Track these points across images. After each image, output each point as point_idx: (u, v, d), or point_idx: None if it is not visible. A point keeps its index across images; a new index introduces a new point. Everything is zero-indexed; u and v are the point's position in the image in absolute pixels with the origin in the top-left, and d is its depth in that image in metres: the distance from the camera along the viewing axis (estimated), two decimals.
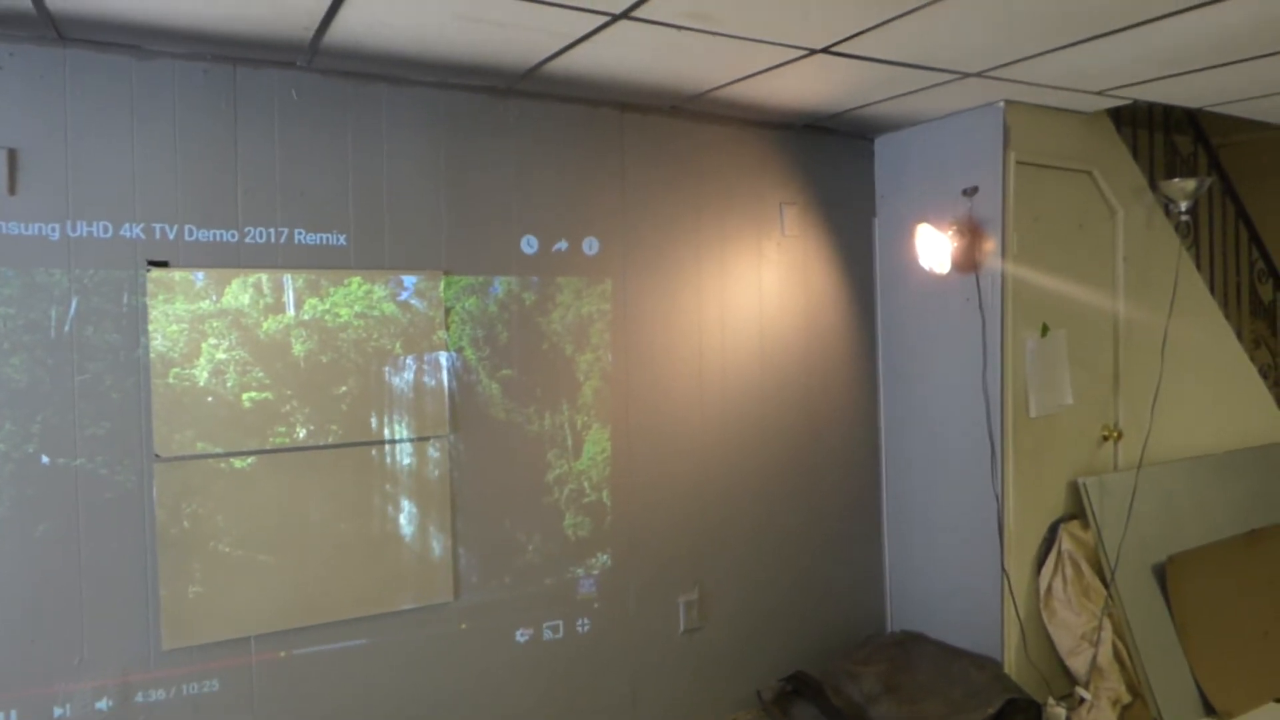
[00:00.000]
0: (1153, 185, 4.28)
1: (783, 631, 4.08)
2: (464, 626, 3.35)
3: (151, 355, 2.83)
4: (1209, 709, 3.86)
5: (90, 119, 2.75)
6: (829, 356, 4.21)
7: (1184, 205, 4.11)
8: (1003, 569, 3.77)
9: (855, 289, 4.29)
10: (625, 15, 2.60)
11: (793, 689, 3.83)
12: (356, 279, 3.13)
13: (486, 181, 3.37)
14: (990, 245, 3.75)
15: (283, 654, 3.03)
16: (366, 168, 3.15)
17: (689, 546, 3.84)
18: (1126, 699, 3.77)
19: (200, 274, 2.90)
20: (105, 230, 2.78)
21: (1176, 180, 4.12)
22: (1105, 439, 4.15)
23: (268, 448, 3.00)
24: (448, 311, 3.30)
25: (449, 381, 3.30)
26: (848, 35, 2.80)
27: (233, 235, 2.95)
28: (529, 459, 3.47)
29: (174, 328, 2.86)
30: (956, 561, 4.01)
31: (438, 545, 3.28)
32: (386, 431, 3.19)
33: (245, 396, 2.96)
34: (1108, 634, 3.80)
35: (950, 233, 3.80)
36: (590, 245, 3.59)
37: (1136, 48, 2.96)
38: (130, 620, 2.82)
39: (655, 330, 3.74)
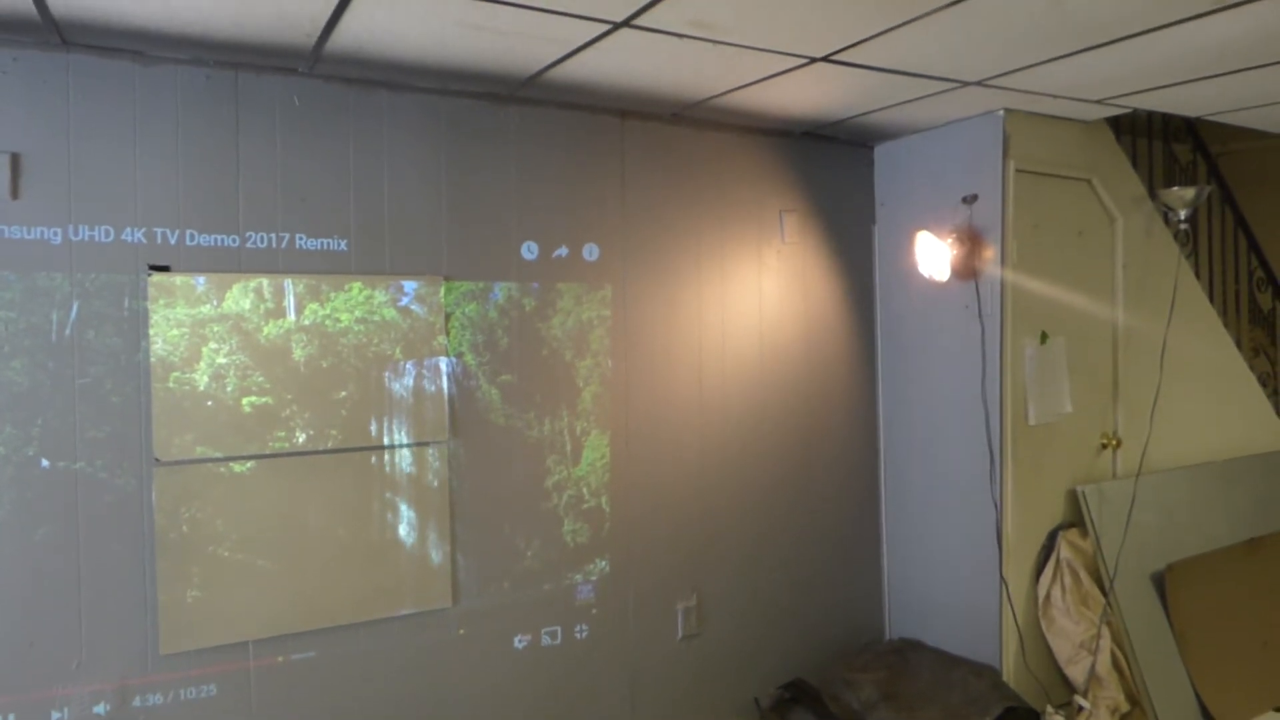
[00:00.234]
0: (1152, 193, 4.30)
1: (781, 638, 4.08)
2: (462, 632, 3.35)
3: (152, 359, 2.84)
4: (1208, 718, 3.85)
5: (93, 124, 2.77)
6: (828, 363, 4.22)
7: (1183, 213, 4.12)
8: (1001, 577, 3.77)
9: (855, 296, 4.30)
10: (627, 24, 2.61)
11: (791, 696, 3.83)
12: (357, 284, 3.14)
13: (487, 187, 3.38)
14: (989, 253, 3.76)
15: (281, 659, 3.03)
16: (367, 173, 3.17)
17: (687, 553, 3.84)
18: (1125, 708, 3.77)
19: (201, 278, 2.91)
20: (107, 234, 2.79)
21: (1175, 188, 4.14)
22: (1104, 447, 4.16)
23: (267, 452, 3.00)
24: (448, 317, 3.30)
25: (449, 387, 3.31)
26: (847, 44, 2.82)
27: (234, 240, 2.96)
28: (528, 465, 3.48)
29: (175, 332, 2.87)
30: (955, 569, 4.01)
31: (436, 551, 3.29)
32: (386, 437, 3.20)
33: (245, 401, 2.97)
34: (1106, 642, 3.80)
35: (950, 240, 3.81)
36: (590, 251, 3.60)
37: (1135, 58, 2.98)
38: (128, 624, 2.82)
39: (655, 336, 3.75)
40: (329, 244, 3.11)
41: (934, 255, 3.85)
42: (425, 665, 3.27)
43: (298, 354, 3.05)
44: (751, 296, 3.99)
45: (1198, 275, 4.62)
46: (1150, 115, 4.27)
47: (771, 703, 3.84)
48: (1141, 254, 4.24)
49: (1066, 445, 4.01)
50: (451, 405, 3.31)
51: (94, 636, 2.78)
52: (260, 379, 2.99)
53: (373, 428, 3.17)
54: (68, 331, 2.74)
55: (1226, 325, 4.70)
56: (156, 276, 2.84)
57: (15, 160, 2.67)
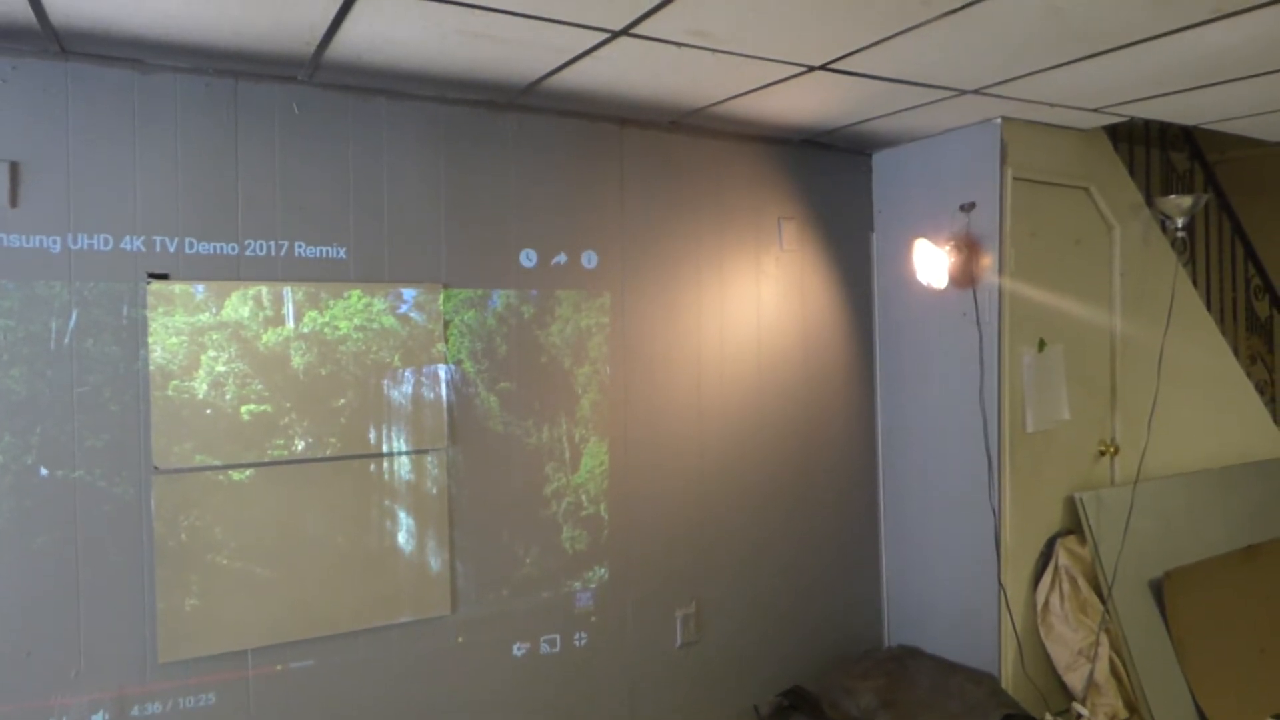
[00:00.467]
0: (1149, 201, 4.31)
1: (780, 646, 4.08)
2: (461, 640, 3.34)
3: (151, 367, 2.84)
4: None
5: (92, 132, 2.77)
6: (827, 371, 4.22)
7: (1180, 221, 4.13)
8: (1000, 584, 3.77)
9: (853, 303, 4.30)
10: (625, 32, 2.62)
11: (789, 704, 3.82)
12: (356, 292, 3.14)
13: (486, 195, 3.38)
14: (987, 260, 3.76)
15: (279, 667, 3.03)
16: (367, 181, 3.17)
17: (686, 560, 3.84)
18: (1123, 715, 3.77)
19: (200, 286, 2.91)
20: (106, 243, 2.79)
21: (1173, 196, 4.15)
22: (1102, 454, 4.16)
23: (266, 460, 3.00)
24: (447, 324, 3.30)
25: (447, 394, 3.31)
26: (845, 52, 2.82)
27: (233, 248, 2.96)
28: (527, 472, 3.48)
29: (173, 340, 2.87)
30: (954, 576, 4.01)
31: (435, 558, 3.28)
32: (385, 444, 3.19)
33: (244, 409, 2.96)
34: (1105, 649, 3.80)
35: (948, 248, 3.81)
36: (589, 259, 3.60)
37: (1132, 66, 2.99)
38: (127, 633, 2.82)
39: (653, 344, 3.75)
40: (328, 252, 3.11)
41: (932, 263, 3.86)
42: (424, 673, 3.26)
43: (296, 362, 3.05)
44: (750, 304, 4.00)
45: (1195, 283, 4.64)
46: (1147, 123, 4.29)
47: (770, 710, 3.84)
48: (1139, 262, 4.25)
49: (1064, 452, 4.02)
50: (450, 413, 3.31)
51: (92, 645, 2.77)
52: (259, 387, 2.99)
53: (371, 435, 3.17)
54: (66, 340, 2.74)
55: (1224, 333, 4.71)
56: (155, 284, 2.84)
57: (14, 169, 2.67)
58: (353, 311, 3.14)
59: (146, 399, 2.84)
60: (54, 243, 2.73)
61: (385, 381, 3.19)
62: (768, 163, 4.04)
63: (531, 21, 2.52)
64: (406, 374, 3.23)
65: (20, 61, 2.68)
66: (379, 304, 3.17)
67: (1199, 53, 2.84)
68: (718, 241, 3.91)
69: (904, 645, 4.23)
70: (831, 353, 4.24)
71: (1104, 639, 3.81)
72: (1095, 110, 3.62)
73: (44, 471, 2.72)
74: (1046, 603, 3.86)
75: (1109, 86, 3.25)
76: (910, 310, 4.17)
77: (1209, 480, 4.41)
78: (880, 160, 4.31)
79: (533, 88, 3.19)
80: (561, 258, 3.54)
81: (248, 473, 2.98)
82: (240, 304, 2.96)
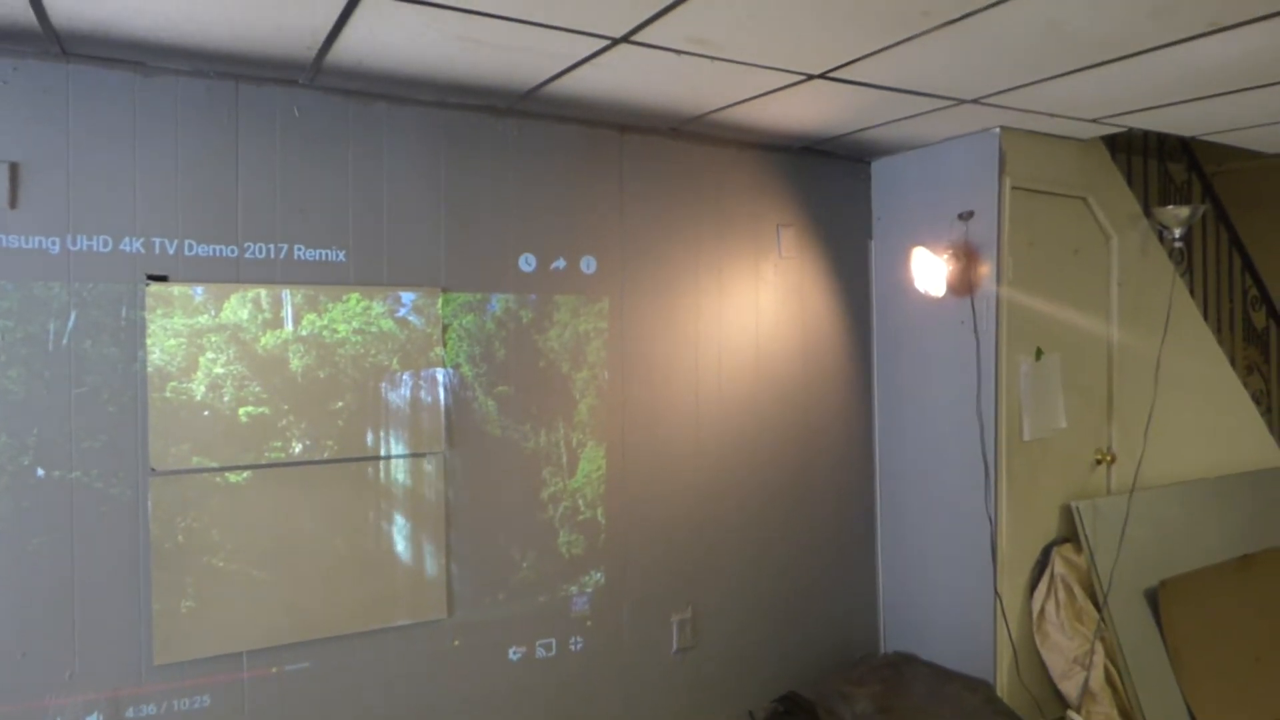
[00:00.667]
0: (1147, 212, 4.32)
1: (776, 651, 4.08)
2: (457, 644, 3.34)
3: (149, 369, 2.84)
4: None
5: (92, 134, 2.77)
6: (825, 378, 4.23)
7: (1178, 232, 4.15)
8: (996, 591, 3.78)
9: (851, 311, 4.31)
10: (625, 39, 2.63)
11: (785, 710, 3.83)
12: (355, 295, 3.14)
13: (485, 200, 3.39)
14: (985, 269, 3.77)
15: (275, 670, 3.02)
16: (366, 185, 3.17)
17: (682, 565, 3.84)
18: None
19: (199, 289, 2.91)
20: (105, 244, 2.79)
21: (1170, 207, 4.17)
22: (1098, 463, 4.17)
23: (263, 462, 3.00)
24: (445, 328, 3.31)
25: (445, 398, 3.31)
26: (845, 61, 2.83)
27: (232, 250, 2.97)
28: (524, 476, 3.48)
29: (172, 342, 2.87)
30: (950, 583, 4.02)
31: (432, 562, 3.28)
32: (382, 447, 3.20)
33: (242, 411, 2.97)
34: (1100, 658, 3.80)
35: (946, 256, 3.82)
36: (588, 264, 3.61)
37: (1131, 78, 3.00)
38: (122, 635, 2.81)
39: (652, 349, 3.76)
40: (327, 255, 3.11)
41: (930, 271, 3.86)
42: (420, 676, 3.26)
43: (295, 364, 3.05)
44: (748, 310, 4.01)
45: (1192, 293, 4.65)
46: (1146, 134, 4.30)
47: (766, 716, 3.84)
48: (1136, 272, 4.26)
49: (1061, 461, 4.03)
50: (448, 416, 3.32)
51: (87, 646, 2.77)
52: (257, 389, 2.99)
53: (369, 438, 3.17)
54: (65, 341, 2.74)
55: (1220, 343, 4.72)
56: (154, 286, 2.85)
57: (14, 169, 2.68)
58: (351, 314, 3.14)
59: (144, 400, 2.84)
60: (53, 244, 2.73)
61: (383, 385, 3.20)
62: (767, 170, 4.05)
63: (532, 28, 2.53)
64: (404, 377, 3.23)
65: (21, 63, 2.68)
66: (378, 307, 3.18)
67: (1196, 65, 2.86)
68: (717, 248, 3.92)
69: (900, 652, 4.23)
70: (829, 360, 4.24)
71: (1099, 647, 3.81)
72: (1094, 121, 3.64)
73: (41, 472, 2.72)
74: (1042, 611, 3.86)
75: (1107, 97, 3.26)
76: (908, 318, 4.18)
77: (1205, 490, 4.42)
78: (879, 168, 4.32)
79: (533, 93, 3.20)
80: (560, 263, 3.55)
81: (245, 475, 2.98)
82: (239, 306, 2.96)
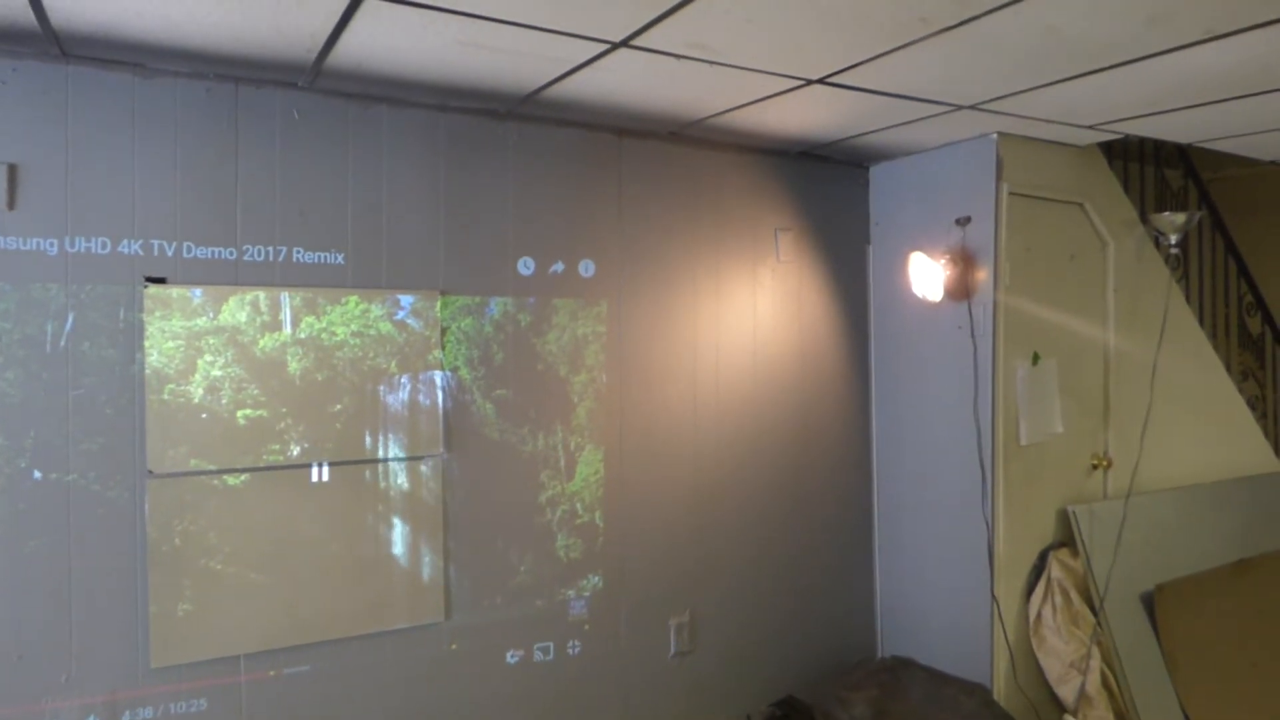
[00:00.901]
0: (1143, 218, 4.34)
1: (773, 655, 4.08)
2: (454, 647, 3.34)
3: (147, 371, 2.84)
4: None
5: (91, 135, 2.77)
6: (822, 382, 4.23)
7: (1174, 238, 4.16)
8: (993, 596, 3.78)
9: (849, 315, 4.32)
10: (625, 44, 2.63)
11: (782, 714, 3.83)
12: (353, 298, 3.14)
13: (484, 203, 3.39)
14: (982, 274, 3.78)
15: (272, 673, 3.02)
16: (365, 188, 3.18)
17: (680, 569, 3.84)
18: None
19: (198, 291, 2.91)
20: (104, 246, 2.79)
21: (1167, 213, 4.18)
22: (1095, 467, 4.18)
23: (261, 465, 3.00)
24: (444, 331, 3.31)
25: (444, 401, 3.31)
26: (843, 67, 2.84)
27: (231, 253, 2.96)
28: (522, 479, 3.48)
29: (170, 344, 2.87)
30: (947, 587, 4.02)
31: (429, 565, 3.28)
32: (380, 450, 3.19)
33: (240, 414, 2.96)
34: (1096, 662, 3.81)
35: (943, 261, 3.83)
36: (586, 267, 3.61)
37: (1128, 85, 3.01)
38: (119, 637, 2.81)
39: (650, 353, 3.76)
40: (326, 257, 3.11)
41: (927, 276, 3.87)
42: (417, 680, 3.26)
43: (293, 367, 3.05)
44: (746, 314, 4.01)
45: (1188, 299, 4.66)
46: (1142, 141, 4.32)
47: None
48: (1133, 277, 4.28)
49: (1058, 465, 4.04)
50: (446, 419, 3.32)
51: (84, 649, 2.76)
52: (255, 392, 2.99)
53: (367, 441, 3.17)
54: (63, 343, 2.74)
55: (1216, 348, 4.74)
56: (153, 288, 2.85)
57: (13, 170, 2.67)
58: (350, 317, 3.14)
59: (142, 403, 2.83)
60: (51, 245, 2.73)
61: (381, 388, 3.20)
62: (765, 174, 4.06)
63: (532, 32, 2.53)
64: (403, 380, 3.23)
65: (20, 64, 2.68)
66: (376, 310, 3.18)
67: (1193, 72, 2.87)
68: (715, 252, 3.93)
69: (897, 656, 4.23)
70: (827, 364, 4.25)
71: (1095, 652, 3.82)
72: (1090, 127, 3.65)
73: (37, 474, 2.71)
74: (1039, 615, 3.87)
75: (1104, 104, 3.28)
76: (905, 322, 4.19)
77: (1201, 495, 4.43)
78: (877, 173, 4.34)
79: (532, 97, 3.21)
80: (559, 266, 3.55)
81: (243, 477, 2.97)
82: (238, 309, 2.96)
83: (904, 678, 3.97)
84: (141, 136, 2.84)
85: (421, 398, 3.27)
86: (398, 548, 3.23)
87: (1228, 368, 4.81)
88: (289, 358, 3.04)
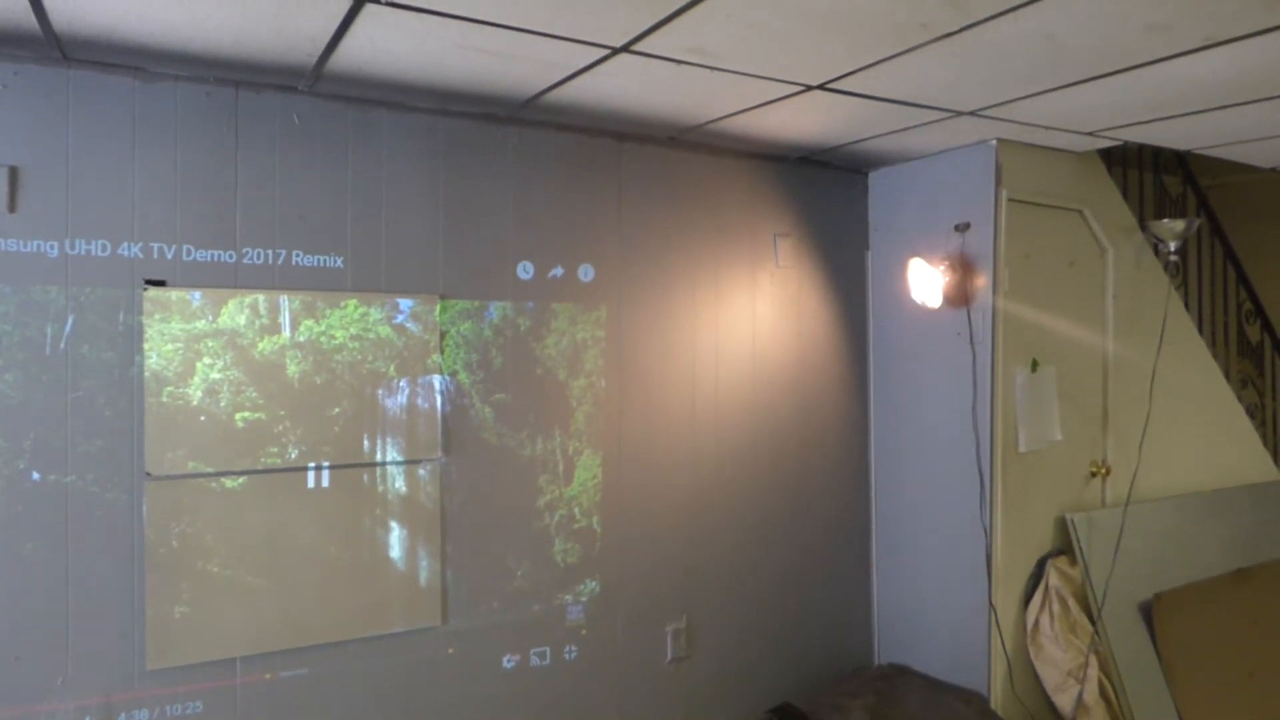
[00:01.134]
0: (1142, 225, 4.34)
1: (770, 662, 4.07)
2: (451, 651, 3.33)
3: (146, 374, 2.84)
4: None
5: (92, 138, 2.78)
6: (821, 388, 4.23)
7: (1173, 245, 4.16)
8: (990, 603, 3.78)
9: (848, 321, 4.32)
10: (625, 49, 2.64)
11: None
12: (353, 301, 3.15)
13: (484, 207, 3.40)
14: (981, 281, 3.79)
15: (268, 676, 3.02)
16: (365, 191, 3.18)
17: (678, 575, 3.84)
18: None
19: (197, 294, 2.91)
20: (103, 249, 2.79)
21: (1166, 220, 4.18)
22: (1094, 475, 4.17)
23: (259, 468, 3.00)
24: (443, 335, 3.31)
25: (442, 405, 3.31)
26: (843, 73, 2.85)
27: (230, 256, 2.97)
28: (520, 484, 3.48)
29: (169, 347, 2.87)
30: (944, 595, 4.01)
31: (427, 569, 3.28)
32: (379, 454, 3.19)
33: (238, 416, 2.96)
34: (1094, 671, 3.80)
35: (942, 267, 3.84)
36: (586, 272, 3.61)
37: (1127, 92, 3.02)
38: (115, 639, 2.81)
39: (649, 358, 3.76)
40: (325, 261, 3.12)
41: (926, 282, 3.88)
42: (414, 684, 3.25)
43: (292, 370, 3.05)
44: (745, 319, 4.01)
45: (1187, 306, 4.66)
46: (1141, 147, 4.32)
47: None
48: (1132, 284, 4.28)
49: (1056, 473, 4.03)
50: (445, 423, 3.32)
51: (80, 651, 2.76)
52: (254, 395, 2.99)
53: (365, 445, 3.17)
54: (62, 345, 2.74)
55: (1215, 356, 4.74)
56: (152, 291, 2.85)
57: (13, 173, 2.68)
58: (349, 321, 3.14)
59: (140, 405, 2.84)
60: (51, 248, 2.73)
61: (380, 391, 3.20)
62: (765, 180, 4.07)
63: (532, 37, 2.54)
64: (402, 384, 3.23)
65: (21, 67, 2.69)
66: (375, 314, 3.18)
67: (1192, 79, 2.87)
68: (714, 257, 3.93)
69: (894, 664, 4.23)
70: (826, 370, 4.25)
71: (1093, 660, 3.81)
72: (1089, 134, 3.66)
73: (36, 476, 2.71)
74: (1037, 623, 3.86)
75: (1103, 111, 3.28)
76: (904, 329, 4.19)
77: (1199, 503, 4.43)
78: (876, 179, 4.34)
79: (532, 102, 3.21)
80: (558, 270, 3.55)
81: (240, 480, 2.97)
82: (237, 312, 2.97)
83: (901, 685, 3.96)
84: (142, 140, 2.84)
85: (420, 401, 3.27)
86: (395, 551, 3.22)
87: (1227, 375, 4.81)
88: (288, 361, 3.04)
